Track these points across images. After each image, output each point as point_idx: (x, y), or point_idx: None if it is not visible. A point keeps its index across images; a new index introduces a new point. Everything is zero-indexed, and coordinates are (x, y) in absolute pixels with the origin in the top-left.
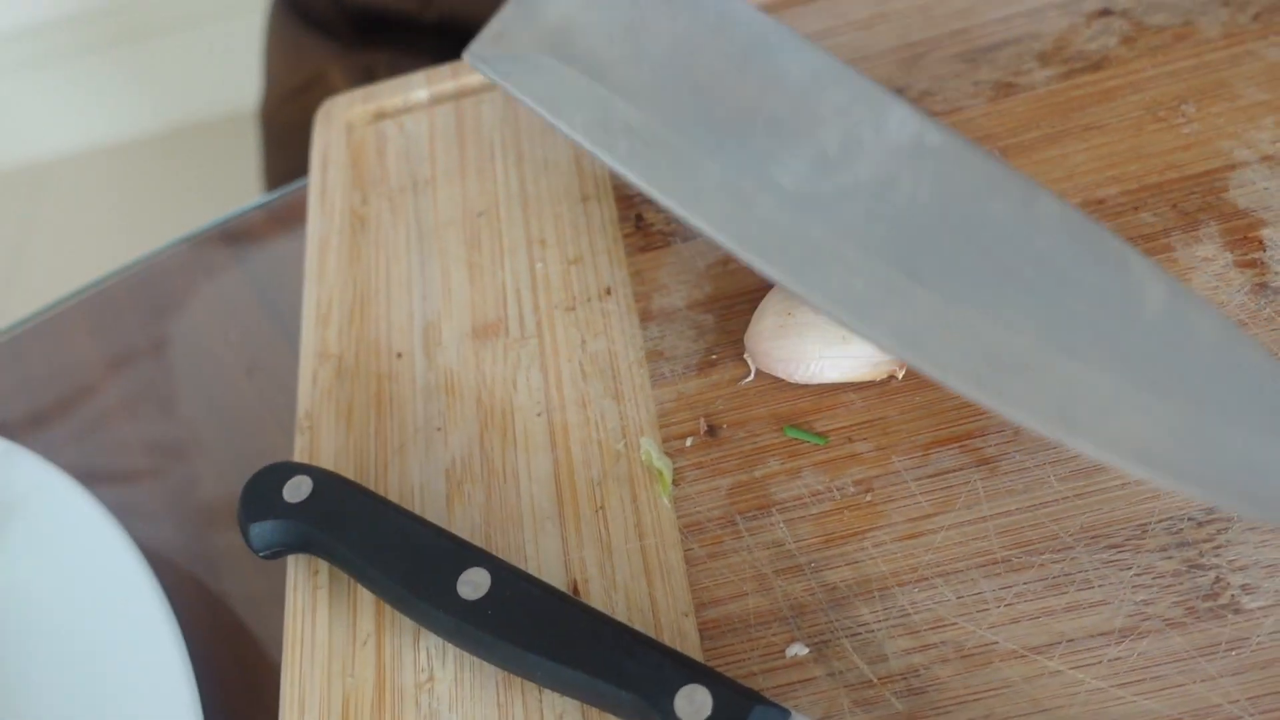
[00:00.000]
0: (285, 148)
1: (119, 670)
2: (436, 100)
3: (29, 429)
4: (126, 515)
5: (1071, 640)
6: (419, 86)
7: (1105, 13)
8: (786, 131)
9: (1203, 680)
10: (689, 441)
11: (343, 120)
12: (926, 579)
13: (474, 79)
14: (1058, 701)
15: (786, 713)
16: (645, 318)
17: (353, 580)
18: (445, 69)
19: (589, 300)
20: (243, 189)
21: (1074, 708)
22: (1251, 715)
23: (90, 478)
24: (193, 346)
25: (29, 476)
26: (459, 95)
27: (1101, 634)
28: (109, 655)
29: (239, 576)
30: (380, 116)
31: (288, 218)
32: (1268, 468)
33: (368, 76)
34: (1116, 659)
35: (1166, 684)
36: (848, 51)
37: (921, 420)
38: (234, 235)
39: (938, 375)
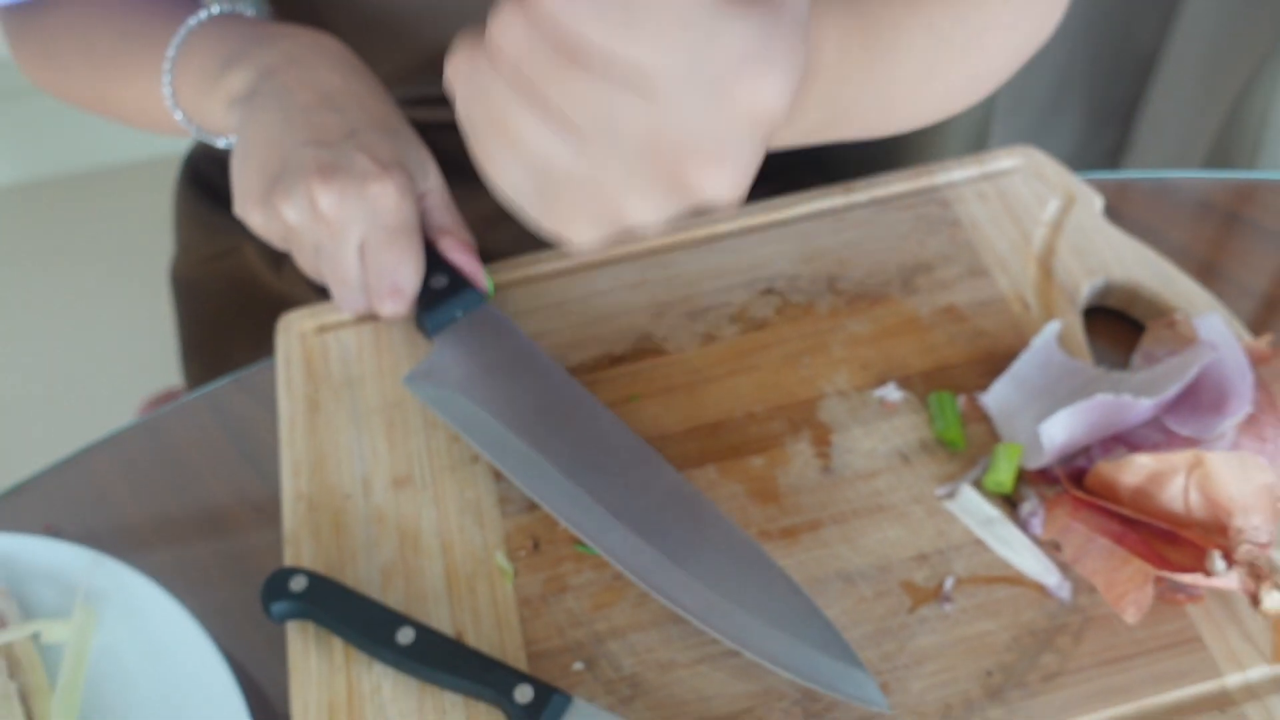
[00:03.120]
0: (198, 305)
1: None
2: (361, 321)
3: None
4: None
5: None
6: None
7: (769, 291)
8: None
9: None
10: (523, 553)
11: (297, 331)
12: (644, 628)
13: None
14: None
15: (569, 698)
16: (498, 476)
17: (330, 634)
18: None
19: (464, 464)
20: (126, 239)
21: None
22: None
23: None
24: (198, 489)
25: (113, 577)
26: (375, 318)
27: None
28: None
29: (249, 638)
30: (323, 330)
31: (254, 387)
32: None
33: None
34: None
35: None
36: (618, 305)
37: None
38: (215, 400)
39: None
